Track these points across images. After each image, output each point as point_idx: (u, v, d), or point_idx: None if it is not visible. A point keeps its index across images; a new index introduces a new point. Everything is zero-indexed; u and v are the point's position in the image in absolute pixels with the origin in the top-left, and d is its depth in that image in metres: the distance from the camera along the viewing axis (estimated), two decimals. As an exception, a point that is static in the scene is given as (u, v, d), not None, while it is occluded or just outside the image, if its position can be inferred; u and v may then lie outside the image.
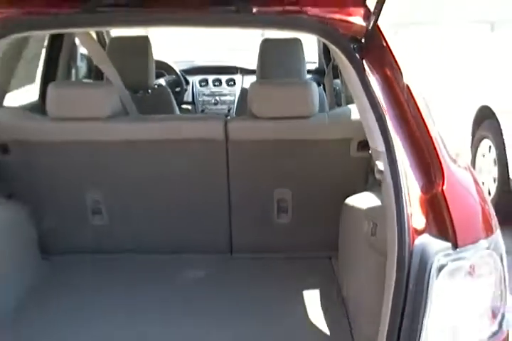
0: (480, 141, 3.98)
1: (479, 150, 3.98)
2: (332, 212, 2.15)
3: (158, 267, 2.23)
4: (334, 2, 1.69)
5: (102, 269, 2.22)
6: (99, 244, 2.30)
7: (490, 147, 3.83)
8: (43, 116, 2.18)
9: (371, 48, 1.59)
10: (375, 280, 1.56)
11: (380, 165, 1.46)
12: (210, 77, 3.72)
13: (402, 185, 1.34)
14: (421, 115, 1.46)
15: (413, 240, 1.29)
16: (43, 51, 2.86)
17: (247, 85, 3.29)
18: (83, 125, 2.10)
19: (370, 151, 2.05)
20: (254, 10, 1.66)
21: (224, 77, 3.72)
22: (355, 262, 1.93)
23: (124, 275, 2.20)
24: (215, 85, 3.70)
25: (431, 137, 1.42)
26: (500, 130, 3.60)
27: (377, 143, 1.48)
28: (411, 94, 1.50)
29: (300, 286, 2.13)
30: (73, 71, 3.12)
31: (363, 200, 1.95)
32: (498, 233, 1.37)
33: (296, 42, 2.83)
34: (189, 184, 2.23)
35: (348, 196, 2.11)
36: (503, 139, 3.58)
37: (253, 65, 3.27)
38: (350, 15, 1.68)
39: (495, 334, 1.32)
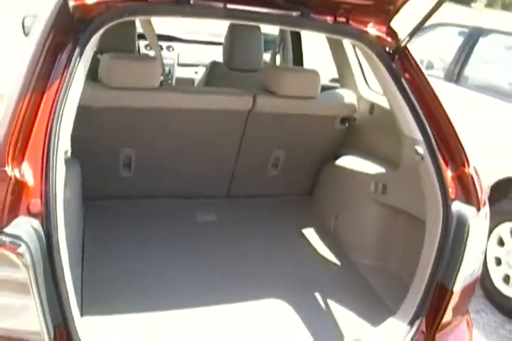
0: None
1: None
2: (311, 168, 2.82)
3: (172, 209, 2.74)
4: (368, 19, 2.09)
5: (127, 211, 2.68)
6: (125, 191, 2.72)
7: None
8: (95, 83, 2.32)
9: (401, 58, 2.05)
10: (374, 223, 2.34)
11: (419, 149, 1.95)
12: None
13: (440, 166, 1.89)
14: (444, 111, 1.96)
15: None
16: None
17: (183, 51, 4.16)
18: (130, 93, 2.35)
19: (347, 125, 2.71)
20: (314, 16, 1.99)
21: (164, 44, 4.16)
22: (352, 208, 2.57)
23: (144, 216, 2.68)
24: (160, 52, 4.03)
25: (454, 129, 1.93)
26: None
27: (413, 133, 1.96)
28: (435, 94, 2.00)
29: (286, 221, 2.79)
30: None
31: (359, 164, 2.59)
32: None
33: (259, 31, 3.12)
34: (208, 144, 2.69)
35: (325, 157, 2.77)
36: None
37: (187, 35, 4.31)
38: (381, 31, 2.09)
39: (480, 265, 1.95)
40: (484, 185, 3.47)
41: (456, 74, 3.94)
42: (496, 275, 3.45)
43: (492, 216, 3.44)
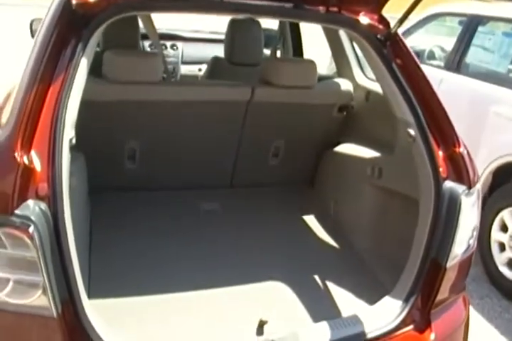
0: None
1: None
2: (311, 157, 2.89)
3: (176, 199, 2.80)
4: (359, 8, 2.15)
5: (132, 202, 2.73)
6: (130, 183, 2.79)
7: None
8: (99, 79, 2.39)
9: (392, 45, 2.11)
10: (371, 206, 2.42)
11: (411, 131, 2.01)
12: None
13: (432, 146, 1.95)
14: (435, 94, 2.03)
15: None
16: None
17: (186, 49, 4.24)
18: (133, 87, 2.43)
19: (344, 113, 2.77)
20: (306, 7, 2.06)
21: (168, 43, 4.22)
22: (350, 193, 2.64)
23: (149, 206, 2.73)
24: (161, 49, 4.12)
25: (444, 111, 2.00)
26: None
27: (406, 116, 2.03)
28: (425, 79, 2.06)
29: (287, 209, 2.87)
30: None
31: (356, 150, 2.65)
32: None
33: (259, 25, 3.11)
34: (210, 135, 2.75)
35: (324, 145, 2.83)
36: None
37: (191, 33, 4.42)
38: (372, 19, 2.15)
39: (474, 242, 2.00)
40: (486, 170, 3.52)
41: (456, 62, 3.98)
42: (500, 260, 3.49)
43: (495, 201, 3.51)
